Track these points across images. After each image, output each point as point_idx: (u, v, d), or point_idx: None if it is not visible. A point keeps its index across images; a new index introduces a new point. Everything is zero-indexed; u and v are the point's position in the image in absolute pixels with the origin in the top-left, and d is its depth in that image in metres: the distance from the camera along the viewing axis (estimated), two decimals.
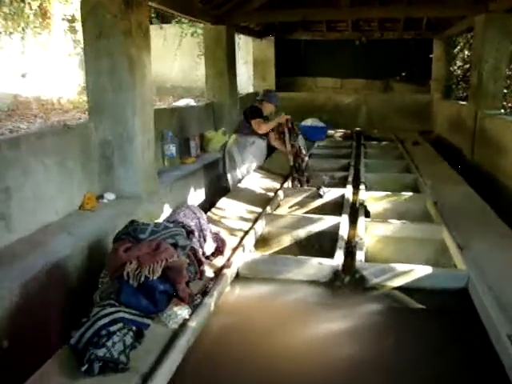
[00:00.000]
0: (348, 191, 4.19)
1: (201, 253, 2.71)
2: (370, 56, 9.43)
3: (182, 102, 7.95)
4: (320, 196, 4.16)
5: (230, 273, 2.68)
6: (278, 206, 4.11)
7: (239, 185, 4.56)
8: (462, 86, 8.93)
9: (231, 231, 3.28)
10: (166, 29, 9.63)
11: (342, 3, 6.58)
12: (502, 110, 6.15)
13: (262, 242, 3.46)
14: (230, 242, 3.07)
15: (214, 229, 2.93)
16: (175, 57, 9.39)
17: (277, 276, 2.73)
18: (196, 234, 2.71)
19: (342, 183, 4.62)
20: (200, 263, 2.61)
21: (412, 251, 3.33)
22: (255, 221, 3.48)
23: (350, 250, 2.96)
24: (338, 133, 8.40)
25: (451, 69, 9.02)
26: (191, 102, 7.77)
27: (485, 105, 5.95)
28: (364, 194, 4.09)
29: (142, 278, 2.12)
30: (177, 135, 5.27)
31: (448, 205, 3.84)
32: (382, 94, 9.71)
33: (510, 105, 7.48)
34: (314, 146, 6.79)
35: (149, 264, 2.14)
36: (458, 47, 9.28)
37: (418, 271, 2.60)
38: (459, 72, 9.21)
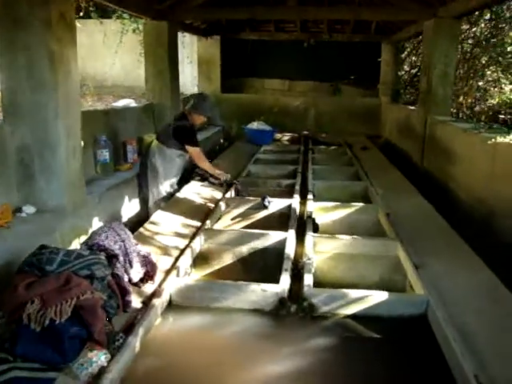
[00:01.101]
0: (295, 201, 3.90)
1: (126, 280, 2.34)
2: (319, 58, 9.25)
3: (122, 102, 7.48)
4: (265, 207, 3.85)
5: (160, 302, 2.32)
6: (219, 218, 3.77)
7: (177, 195, 4.17)
8: (410, 91, 8.91)
9: (165, 250, 2.92)
10: (107, 24, 9.10)
11: (290, 2, 6.33)
12: (451, 117, 6.07)
13: (201, 260, 3.13)
14: (163, 263, 2.71)
15: (144, 250, 2.55)
16: (116, 54, 8.87)
17: (214, 304, 2.40)
18: (121, 258, 2.33)
19: (289, 192, 4.33)
20: (125, 292, 2.24)
21: (365, 269, 3.08)
22: (193, 237, 3.13)
23: (297, 272, 2.66)
24: (286, 136, 8.15)
25: (399, 73, 8.97)
26: (132, 103, 7.31)
27: (434, 110, 5.83)
28: (312, 205, 3.82)
29: (47, 321, 1.73)
30: (112, 139, 4.82)
31: (401, 216, 3.62)
32: (330, 97, 9.53)
33: (455, 110, 7.49)
34: (260, 151, 6.49)
35: (55, 303, 1.76)
36: (406, 52, 9.26)
37: (372, 297, 2.32)
38: (406, 77, 9.20)
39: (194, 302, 2.42)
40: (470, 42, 7.66)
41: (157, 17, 5.94)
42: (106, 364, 1.78)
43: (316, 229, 3.50)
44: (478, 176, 4.23)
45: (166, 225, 3.36)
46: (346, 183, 4.82)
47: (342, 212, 3.84)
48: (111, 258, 2.29)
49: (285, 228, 3.28)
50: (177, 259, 2.78)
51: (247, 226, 3.73)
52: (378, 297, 2.32)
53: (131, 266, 2.37)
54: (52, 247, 2.08)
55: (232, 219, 3.90)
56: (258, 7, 6.20)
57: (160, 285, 2.46)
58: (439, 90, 5.79)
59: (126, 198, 4.38)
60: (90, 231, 3.48)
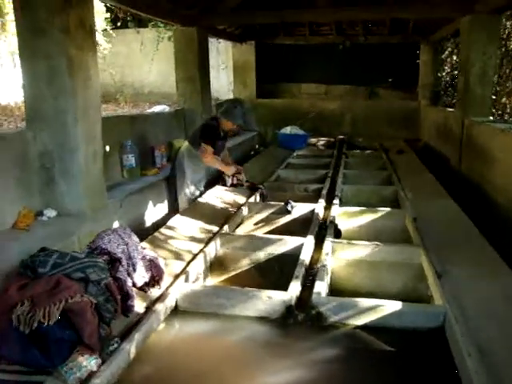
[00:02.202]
0: (319, 206, 3.78)
1: (130, 284, 2.29)
2: (356, 62, 9.08)
3: (156, 108, 7.59)
4: (288, 212, 3.75)
5: (164, 307, 2.27)
6: (241, 223, 3.69)
7: (199, 199, 4.13)
8: (451, 93, 8.57)
9: (177, 255, 2.86)
10: (143, 33, 9.27)
11: (321, 3, 6.21)
12: (491, 117, 5.78)
13: (217, 265, 3.07)
14: (174, 268, 2.66)
15: (150, 254, 2.50)
16: (152, 62, 8.99)
17: (220, 311, 2.32)
18: (124, 262, 2.29)
19: (316, 197, 4.21)
20: (128, 297, 2.20)
21: (386, 277, 2.94)
22: (208, 242, 3.06)
23: (311, 280, 2.54)
24: (321, 141, 8.01)
25: (439, 74, 8.66)
26: (166, 109, 7.39)
27: (472, 111, 5.57)
28: (336, 210, 3.68)
29: (35, 324, 1.70)
30: (139, 144, 4.84)
31: (429, 222, 3.44)
32: (367, 101, 9.32)
33: (500, 112, 7.13)
34: (292, 156, 6.39)
35: (44, 306, 1.72)
36: (447, 52, 8.93)
37: (385, 307, 2.18)
38: (447, 78, 8.86)
39: (200, 308, 2.35)
40: None
41: (186, 22, 5.95)
42: (95, 369, 1.73)
43: (338, 234, 3.37)
44: None
45: (183, 229, 3.31)
46: (376, 187, 4.64)
47: (368, 217, 3.69)
48: (114, 261, 2.25)
49: (306, 234, 3.17)
50: (188, 264, 2.72)
51: (270, 232, 3.64)
52: (392, 307, 2.18)
53: (134, 270, 2.32)
54: (51, 250, 2.06)
55: (254, 224, 3.82)
56: (286, 10, 6.11)
57: (166, 290, 2.41)
58: (477, 89, 5.52)
59: (151, 203, 4.37)
60: None
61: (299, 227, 3.65)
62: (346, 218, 3.67)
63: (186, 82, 6.21)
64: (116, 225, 3.69)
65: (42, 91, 3.30)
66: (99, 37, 7.47)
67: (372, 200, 4.27)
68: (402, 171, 5.23)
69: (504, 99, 7.35)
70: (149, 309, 2.24)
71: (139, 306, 2.25)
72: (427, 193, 4.32)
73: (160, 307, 2.23)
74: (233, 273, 3.09)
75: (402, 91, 9.24)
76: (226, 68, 9.54)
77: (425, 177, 5.07)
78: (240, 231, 3.54)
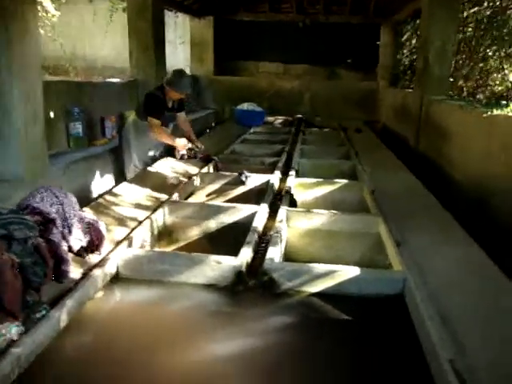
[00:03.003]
0: (274, 177, 3.62)
1: (65, 248, 2.07)
2: (316, 41, 8.95)
3: None
4: (242, 182, 3.58)
5: (102, 273, 2.06)
6: (192, 193, 3.50)
7: (148, 168, 3.90)
8: (409, 76, 8.59)
9: (121, 221, 2.65)
10: (96, 3, 8.80)
11: None
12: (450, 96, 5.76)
13: (166, 234, 2.88)
14: (116, 234, 2.45)
15: (90, 217, 2.28)
16: (106, 34, 8.57)
17: (165, 278, 2.13)
18: (58, 223, 2.06)
19: (272, 169, 4.05)
20: (61, 261, 1.97)
21: (344, 247, 2.81)
22: (155, 209, 2.85)
23: (264, 247, 2.39)
24: (279, 119, 7.86)
25: (398, 57, 8.64)
26: None
27: (430, 90, 5.51)
28: (292, 181, 3.54)
29: None
30: (88, 114, 4.55)
31: (387, 193, 3.34)
32: (326, 81, 9.22)
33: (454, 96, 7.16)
34: (249, 132, 6.21)
35: None
36: (406, 35, 8.92)
37: (342, 273, 2.04)
38: (406, 61, 8.87)
39: (143, 275, 2.16)
40: (471, 24, 7.31)
41: None
42: (16, 338, 1.51)
43: (294, 204, 3.23)
44: (473, 155, 3.93)
45: (129, 196, 3.08)
46: (334, 162, 4.52)
47: (325, 189, 3.56)
48: (47, 222, 2.02)
49: (260, 203, 3.01)
50: (132, 230, 2.51)
51: (225, 202, 3.47)
52: (349, 273, 2.04)
53: (70, 233, 2.09)
54: None
55: (207, 195, 3.63)
56: None
57: (107, 255, 2.20)
58: (436, 68, 5.47)
59: (98, 173, 4.11)
60: None
61: (254, 198, 3.49)
62: (303, 189, 3.53)
63: (140, 52, 5.91)
64: None
65: None
66: (47, 3, 7.02)
67: (330, 174, 4.12)
68: (360, 148, 5.14)
69: (461, 82, 7.40)
70: (86, 275, 2.02)
71: (75, 271, 2.04)
72: (385, 167, 4.24)
73: (98, 273, 2.03)
74: (183, 243, 2.91)
75: (363, 72, 9.19)
76: (183, 43, 9.22)
77: (383, 153, 5.00)
78: (192, 201, 3.35)
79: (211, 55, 8.87)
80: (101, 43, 8.94)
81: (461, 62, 7.46)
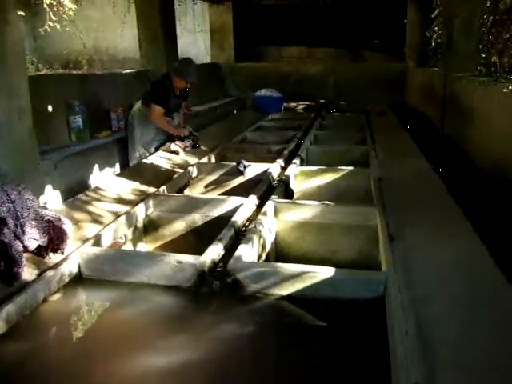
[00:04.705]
0: (274, 166, 3.39)
1: (20, 248, 1.92)
2: (340, 23, 8.57)
3: None
4: (240, 172, 3.38)
5: (59, 274, 1.92)
6: (187, 185, 3.32)
7: (143, 160, 3.75)
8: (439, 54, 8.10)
9: (97, 218, 2.49)
10: None
11: None
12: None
13: (152, 229, 2.74)
14: (89, 231, 2.29)
15: (51, 215, 2.12)
16: (124, 25, 8.45)
17: (126, 278, 1.96)
18: (10, 222, 1.92)
19: (277, 157, 3.82)
20: (13, 263, 1.83)
21: (339, 241, 2.59)
22: (137, 204, 2.68)
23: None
24: (301, 105, 7.58)
25: (427, 34, 8.14)
26: None
27: (456, 67, 5.11)
28: (293, 170, 3.30)
29: None
30: (92, 106, 4.46)
31: (394, 182, 3.05)
32: (351, 64, 8.83)
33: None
34: (266, 119, 5.98)
35: None
36: (437, 11, 8.40)
37: (317, 274, 1.81)
38: (438, 39, 8.35)
39: (104, 276, 2.00)
40: None
41: None
42: None
43: (291, 195, 3.01)
44: (496, 136, 3.58)
45: (113, 191, 2.93)
46: (346, 148, 4.24)
47: (329, 177, 3.31)
48: None
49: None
50: (105, 227, 2.35)
51: (220, 194, 3.29)
52: (324, 274, 1.80)
53: (24, 232, 1.95)
54: None
55: (205, 187, 3.45)
56: None
57: (69, 255, 2.05)
58: (461, 43, 5.08)
59: (98, 166, 3.99)
60: (41, 198, 3.15)
61: (251, 189, 3.29)
62: (304, 178, 3.30)
63: (149, 42, 5.76)
64: (48, 188, 3.33)
65: None
66: None
67: (340, 161, 3.86)
68: (379, 132, 4.82)
69: (494, 58, 6.89)
70: (40, 276, 1.88)
71: (31, 273, 1.90)
72: (399, 152, 3.92)
73: (52, 274, 1.88)
74: (169, 238, 2.76)
75: (389, 53, 8.73)
76: (201, 31, 9.01)
77: (401, 137, 4.66)
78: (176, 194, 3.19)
79: (231, 42, 8.64)
80: (121, 35, 8.84)
81: (495, 35, 6.94)
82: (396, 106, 7.40)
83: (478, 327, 1.47)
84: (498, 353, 1.35)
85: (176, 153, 3.95)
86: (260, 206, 2.63)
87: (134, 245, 2.63)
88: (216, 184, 3.41)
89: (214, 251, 1.98)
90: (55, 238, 2.08)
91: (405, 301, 1.60)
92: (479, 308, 1.58)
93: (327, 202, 2.61)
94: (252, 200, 2.65)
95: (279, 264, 1.89)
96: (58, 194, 3.38)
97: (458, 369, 1.29)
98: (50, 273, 1.88)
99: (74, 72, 5.82)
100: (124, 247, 2.48)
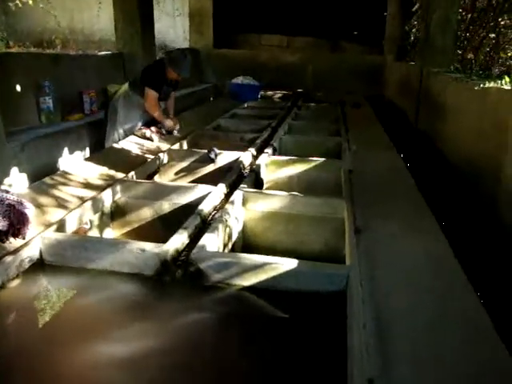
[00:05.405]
0: (246, 155, 3.37)
1: None
2: (320, 13, 8.54)
3: None
4: (211, 160, 3.35)
5: (17, 260, 1.89)
6: (157, 171, 3.29)
7: (114, 144, 3.70)
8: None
9: (62, 203, 2.44)
10: None
11: None
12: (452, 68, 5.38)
13: (119, 215, 2.71)
14: (53, 216, 2.25)
15: (12, 199, 2.07)
16: (100, 5, 8.29)
17: (88, 265, 1.94)
18: None
19: (249, 146, 3.80)
20: None
21: (306, 232, 2.59)
22: (104, 189, 2.64)
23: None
24: (278, 94, 7.55)
25: (407, 28, 8.19)
26: None
27: (432, 62, 5.15)
28: (264, 159, 3.29)
29: None
30: (64, 88, 4.35)
31: (366, 174, 3.07)
32: (330, 54, 8.82)
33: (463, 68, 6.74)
34: (242, 106, 5.95)
35: None
36: (417, 5, 8.45)
37: (279, 266, 1.81)
38: (416, 33, 8.41)
39: (66, 262, 1.97)
40: None
41: None
42: None
43: (260, 184, 3.00)
44: (466, 133, 3.62)
45: (80, 175, 2.88)
46: (319, 139, 4.25)
47: (300, 168, 3.31)
48: None
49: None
50: (70, 212, 2.31)
51: (192, 181, 3.27)
52: (287, 266, 1.80)
53: None
54: None
55: (175, 173, 3.42)
56: None
57: (30, 240, 2.01)
58: (438, 38, 5.10)
59: (67, 149, 3.90)
60: (6, 180, 3.08)
61: (222, 177, 3.27)
62: (275, 167, 3.29)
63: (125, 23, 5.62)
64: (14, 170, 3.24)
65: None
66: None
67: (313, 151, 3.86)
68: (353, 124, 4.84)
69: (470, 55, 6.97)
70: None
71: None
72: (372, 145, 3.94)
73: (10, 259, 1.84)
74: (136, 224, 2.73)
75: (368, 45, 8.76)
76: (180, 15, 8.88)
77: (375, 129, 4.69)
78: (158, 180, 3.16)
79: (211, 27, 8.52)
80: (97, 16, 8.66)
81: (471, 32, 7.01)
82: (374, 98, 7.44)
83: (438, 322, 1.49)
84: (454, 348, 1.37)
85: (150, 139, 3.91)
86: (228, 195, 2.61)
87: (101, 231, 2.60)
88: (186, 171, 3.38)
89: (178, 240, 1.96)
90: (16, 222, 2.03)
91: (365, 295, 1.61)
92: (440, 303, 1.59)
93: (296, 193, 2.60)
94: (220, 188, 2.64)
95: (242, 254, 1.88)
96: (24, 176, 3.30)
97: (413, 363, 1.31)
98: (8, 258, 1.84)
99: (47, 51, 5.67)
100: (90, 233, 2.45)
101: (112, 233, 2.69)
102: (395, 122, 6.16)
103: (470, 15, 6.83)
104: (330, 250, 2.54)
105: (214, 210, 2.43)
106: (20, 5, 6.76)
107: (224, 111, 5.46)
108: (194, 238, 2.07)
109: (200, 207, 2.31)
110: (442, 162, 4.11)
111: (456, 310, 1.56)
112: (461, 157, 3.69)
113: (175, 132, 4.19)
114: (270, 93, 7.40)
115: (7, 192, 2.14)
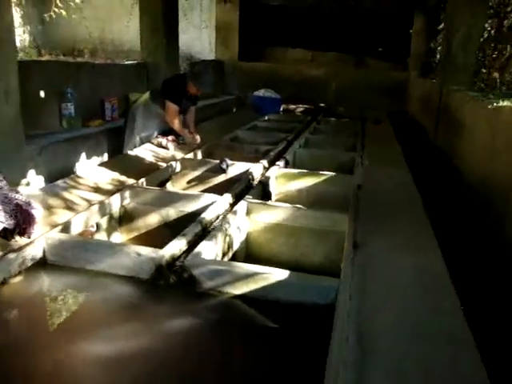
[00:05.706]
0: (257, 167, 3.41)
1: None
2: (345, 28, 8.58)
3: None
4: (222, 170, 3.40)
5: (21, 258, 1.96)
6: (169, 179, 3.35)
7: (129, 151, 3.78)
8: None
9: (71, 205, 2.52)
10: None
11: None
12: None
13: (127, 220, 2.77)
14: (61, 218, 2.33)
15: (20, 199, 2.16)
16: (130, 16, 8.50)
17: (87, 266, 2.00)
18: None
19: (263, 158, 3.84)
20: None
21: (308, 245, 2.61)
22: (113, 194, 2.72)
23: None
24: (300, 108, 7.59)
25: (432, 45, 8.15)
26: None
27: (452, 80, 5.11)
28: (274, 172, 3.33)
29: None
30: (86, 95, 4.48)
31: (373, 190, 3.06)
32: (354, 70, 8.83)
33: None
34: (262, 119, 6.01)
35: None
36: (442, 24, 8.40)
37: (270, 276, 1.84)
38: (441, 50, 8.35)
39: (67, 262, 2.04)
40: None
41: None
42: None
43: (268, 196, 3.04)
44: (480, 151, 3.59)
45: (92, 180, 2.97)
46: (334, 153, 4.26)
47: (310, 181, 3.33)
48: None
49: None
50: (76, 214, 2.38)
51: (202, 191, 3.32)
52: (278, 276, 1.83)
53: None
54: None
55: (187, 182, 3.48)
56: None
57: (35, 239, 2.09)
58: (459, 56, 5.06)
59: (85, 154, 4.01)
60: (23, 181, 3.18)
61: (231, 187, 3.32)
62: (286, 180, 3.32)
63: (150, 33, 5.76)
64: (31, 172, 3.35)
65: None
66: None
67: (327, 165, 3.89)
68: (370, 140, 4.83)
69: (496, 74, 6.88)
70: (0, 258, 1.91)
71: None
72: (385, 162, 3.93)
73: (12, 257, 1.91)
74: (143, 230, 2.79)
75: (392, 61, 8.74)
76: (207, 27, 9.03)
77: (390, 147, 4.67)
78: (169, 188, 3.23)
79: (236, 40, 8.63)
80: (127, 27, 8.89)
81: (498, 51, 6.93)
82: (396, 114, 7.41)
83: (421, 340, 1.48)
84: (436, 366, 1.36)
85: (166, 148, 3.99)
86: (233, 205, 2.65)
87: (108, 234, 2.67)
88: (198, 180, 3.44)
89: (176, 246, 2.00)
90: (22, 221, 2.11)
91: (352, 309, 1.61)
92: (426, 321, 1.59)
93: (299, 206, 2.63)
94: (226, 198, 2.68)
95: (235, 263, 1.92)
96: (40, 179, 3.40)
97: (389, 377, 1.31)
98: (11, 255, 1.91)
99: (75, 60, 5.84)
100: (97, 236, 2.52)
101: (119, 237, 2.76)
102: (415, 138, 6.12)
103: (496, 34, 6.77)
104: (330, 264, 2.55)
105: (217, 218, 2.46)
106: (54, 15, 7.00)
107: (244, 123, 5.52)
108: (193, 244, 2.11)
109: (202, 215, 2.36)
110: (458, 180, 4.07)
111: (440, 329, 1.55)
112: (475, 175, 3.65)
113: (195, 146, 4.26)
114: (292, 106, 7.45)
115: (17, 192, 2.22)
